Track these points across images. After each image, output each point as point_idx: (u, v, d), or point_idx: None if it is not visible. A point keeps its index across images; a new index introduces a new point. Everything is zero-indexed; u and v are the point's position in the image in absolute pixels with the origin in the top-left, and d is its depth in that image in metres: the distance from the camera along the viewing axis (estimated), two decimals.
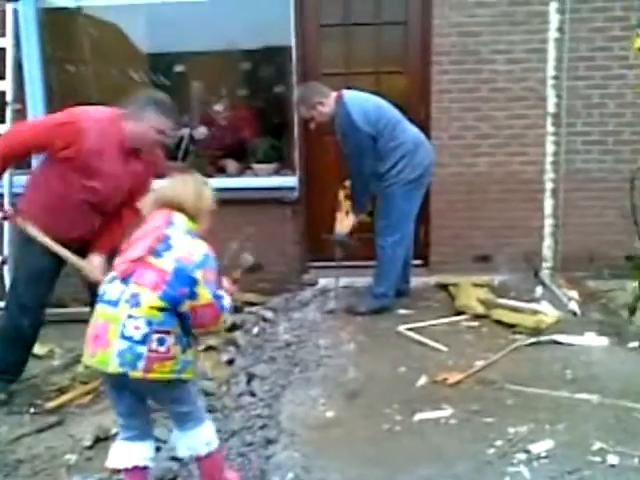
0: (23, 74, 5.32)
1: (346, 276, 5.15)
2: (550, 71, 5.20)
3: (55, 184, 3.44)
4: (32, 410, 3.65)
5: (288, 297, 5.25)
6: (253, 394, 3.60)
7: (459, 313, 4.64)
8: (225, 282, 2.68)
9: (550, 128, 5.28)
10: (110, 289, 2.39)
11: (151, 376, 2.32)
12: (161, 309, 2.32)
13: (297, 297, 5.20)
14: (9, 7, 4.69)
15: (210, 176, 5.48)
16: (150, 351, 2.30)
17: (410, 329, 4.34)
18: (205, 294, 2.36)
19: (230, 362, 4.09)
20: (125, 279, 2.37)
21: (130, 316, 2.31)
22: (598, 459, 2.83)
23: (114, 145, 3.41)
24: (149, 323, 2.30)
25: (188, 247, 2.40)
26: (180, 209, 2.50)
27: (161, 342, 2.32)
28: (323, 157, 5.47)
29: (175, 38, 5.81)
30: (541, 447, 2.94)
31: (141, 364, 2.30)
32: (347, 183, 4.81)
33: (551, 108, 5.25)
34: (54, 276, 3.65)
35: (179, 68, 6.04)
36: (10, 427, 3.48)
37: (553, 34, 5.14)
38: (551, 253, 5.44)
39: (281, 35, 5.32)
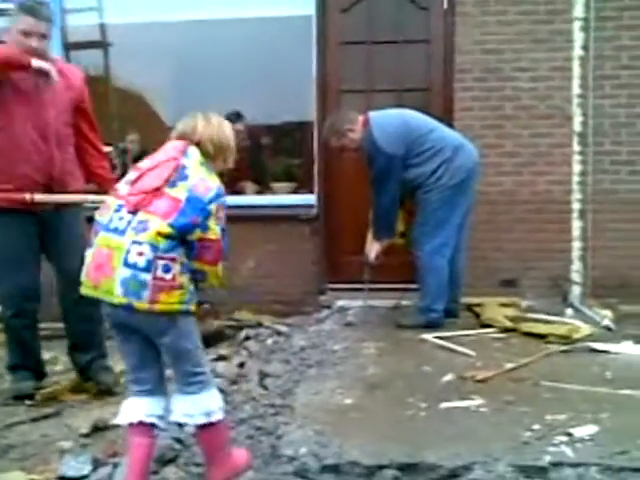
0: None
1: (371, 299, 4.91)
2: (575, 89, 5.11)
3: None
4: (28, 402, 3.42)
5: (304, 318, 5.01)
6: (265, 388, 3.34)
7: (485, 328, 4.36)
8: None
9: (576, 147, 5.14)
10: (116, 218, 2.22)
11: (157, 307, 2.15)
12: (167, 236, 2.15)
13: (313, 316, 4.96)
14: None
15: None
16: (155, 279, 2.14)
17: (435, 337, 4.06)
18: (215, 229, 2.24)
19: (241, 365, 3.84)
20: (136, 210, 2.21)
21: (134, 242, 2.15)
22: None
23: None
24: (154, 249, 2.14)
25: (204, 179, 2.28)
26: (197, 142, 2.37)
27: (166, 269, 2.15)
28: (342, 175, 5.34)
29: None
30: (584, 431, 2.64)
31: (146, 293, 2.13)
32: None
33: (577, 127, 5.12)
34: (33, 262, 3.52)
35: None
36: (4, 416, 3.27)
37: (577, 52, 5.08)
38: (580, 278, 5.18)
39: (303, 54, 5.31)
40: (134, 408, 2.34)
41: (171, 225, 2.15)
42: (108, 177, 3.75)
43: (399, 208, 4.52)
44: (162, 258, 2.14)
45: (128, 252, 2.14)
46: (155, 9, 5.51)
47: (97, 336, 3.66)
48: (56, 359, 4.21)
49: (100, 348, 3.68)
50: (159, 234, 2.14)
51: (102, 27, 5.74)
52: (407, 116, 4.49)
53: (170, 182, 2.23)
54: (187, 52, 5.61)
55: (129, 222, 2.19)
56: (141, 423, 2.31)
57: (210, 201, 2.22)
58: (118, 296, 2.15)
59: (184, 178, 2.25)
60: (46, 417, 3.25)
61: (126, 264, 2.14)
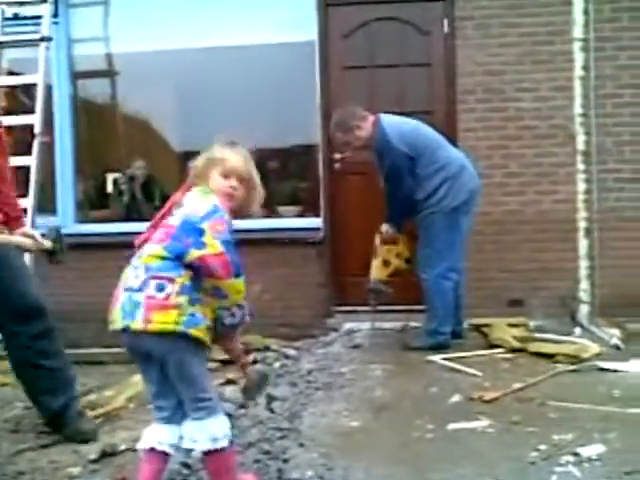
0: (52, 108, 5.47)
1: (377, 321, 4.92)
2: (577, 109, 5.14)
3: None
4: (37, 430, 3.43)
5: (312, 342, 5.02)
6: (272, 411, 3.34)
7: (493, 348, 4.36)
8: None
9: (580, 166, 5.16)
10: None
11: (151, 327, 2.16)
12: (161, 257, 2.20)
13: (320, 339, 4.96)
14: (42, 46, 4.83)
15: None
16: (147, 297, 2.16)
17: (443, 358, 4.06)
18: (214, 243, 2.18)
19: None
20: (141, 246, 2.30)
21: (134, 267, 2.23)
22: None
23: None
24: (147, 269, 2.19)
25: (196, 203, 2.28)
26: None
27: (160, 288, 2.16)
28: (348, 198, 5.37)
29: None
30: (591, 451, 2.63)
31: (139, 312, 2.16)
32: (383, 228, 4.63)
33: (581, 145, 5.15)
34: None
35: None
36: (12, 442, 3.26)
37: (578, 72, 5.12)
38: (588, 296, 5.17)
39: (306, 79, 5.38)
40: (149, 434, 2.37)
41: (164, 248, 2.20)
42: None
43: (414, 203, 4.44)
44: (156, 277, 2.17)
45: (128, 278, 2.21)
46: (160, 38, 5.62)
47: (66, 375, 3.38)
48: None
49: (72, 389, 3.37)
50: (151, 255, 2.20)
51: (109, 56, 5.84)
52: (421, 125, 4.54)
53: (170, 213, 2.31)
54: (192, 79, 5.69)
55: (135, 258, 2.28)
56: (153, 450, 2.33)
57: (202, 219, 2.20)
58: (118, 321, 2.20)
59: (180, 207, 2.30)
60: (55, 443, 3.25)
61: (125, 289, 2.21)
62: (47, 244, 3.22)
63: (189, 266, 2.21)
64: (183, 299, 2.18)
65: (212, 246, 2.17)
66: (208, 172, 2.37)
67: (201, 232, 2.18)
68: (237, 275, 2.23)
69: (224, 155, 2.39)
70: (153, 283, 2.17)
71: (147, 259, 2.20)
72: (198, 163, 2.41)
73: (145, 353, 2.28)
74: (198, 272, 2.22)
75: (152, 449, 2.34)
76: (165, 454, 2.35)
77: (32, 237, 3.19)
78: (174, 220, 2.26)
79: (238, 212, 2.40)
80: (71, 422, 3.27)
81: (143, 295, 2.16)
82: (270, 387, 3.75)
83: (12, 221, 3.22)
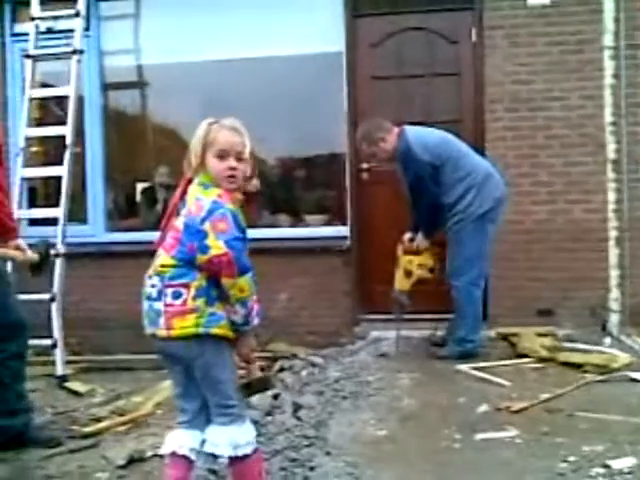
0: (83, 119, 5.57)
1: (404, 329, 4.89)
2: (608, 117, 5.08)
3: None
4: (67, 435, 3.47)
5: (338, 350, 5.01)
6: (299, 419, 3.34)
7: (521, 358, 4.31)
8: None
9: (611, 175, 5.09)
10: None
11: (173, 333, 2.22)
12: (174, 265, 2.24)
13: (347, 347, 4.95)
14: (74, 58, 4.92)
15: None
16: (166, 305, 2.22)
17: (471, 368, 4.03)
18: (217, 245, 2.15)
19: (276, 397, 3.85)
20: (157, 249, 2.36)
21: (148, 276, 2.30)
22: None
23: None
24: (161, 279, 2.24)
25: (199, 198, 2.23)
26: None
27: (176, 296, 2.21)
28: (374, 207, 5.38)
29: None
30: (623, 463, 2.59)
31: (161, 320, 2.23)
32: (405, 237, 4.64)
33: (611, 154, 5.09)
34: None
35: None
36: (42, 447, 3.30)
37: (608, 80, 5.06)
38: (619, 306, 5.09)
39: (334, 89, 5.40)
40: (173, 438, 2.39)
41: (173, 257, 2.24)
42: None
43: (441, 210, 4.44)
44: (171, 286, 2.22)
45: (146, 287, 2.29)
46: (188, 49, 5.66)
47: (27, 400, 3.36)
48: (94, 391, 4.30)
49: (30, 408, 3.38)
50: (162, 266, 2.25)
51: (138, 68, 5.92)
52: (447, 135, 4.56)
53: (177, 212, 2.33)
54: (219, 90, 5.71)
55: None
56: (174, 454, 2.35)
57: (203, 220, 2.18)
58: (147, 327, 2.29)
59: (184, 205, 2.30)
60: (84, 449, 3.29)
61: (145, 298, 2.29)
62: (34, 257, 3.27)
63: (202, 267, 2.23)
64: (200, 302, 2.21)
65: (216, 247, 2.15)
66: (202, 158, 2.26)
67: (204, 235, 2.17)
68: (243, 273, 2.19)
69: (213, 134, 2.26)
70: (169, 291, 2.22)
71: (160, 269, 2.25)
72: (190, 152, 2.29)
73: (173, 356, 2.33)
74: (208, 271, 2.22)
75: (173, 453, 2.36)
76: (188, 459, 2.37)
77: (23, 250, 3.25)
78: (180, 222, 2.27)
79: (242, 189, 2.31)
80: (36, 437, 3.29)
81: (162, 304, 2.23)
82: (297, 395, 3.79)
83: (10, 232, 3.24)
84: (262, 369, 4.18)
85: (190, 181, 2.33)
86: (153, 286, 2.26)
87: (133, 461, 3.10)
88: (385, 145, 4.47)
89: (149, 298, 2.27)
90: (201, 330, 2.21)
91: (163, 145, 6.22)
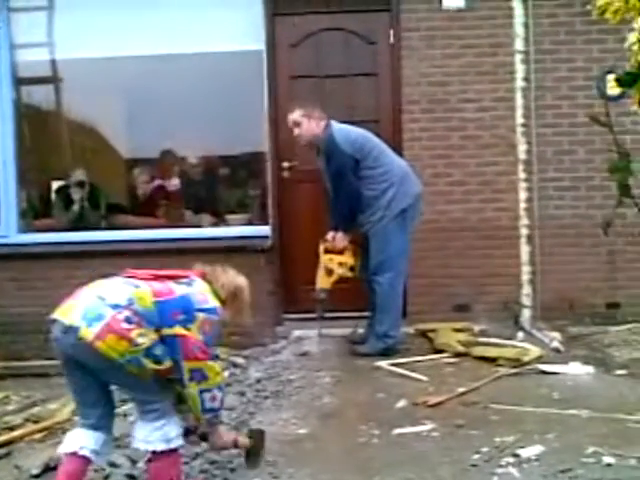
0: None
1: (325, 328, 4.94)
2: (519, 119, 5.29)
3: None
4: None
5: (261, 350, 5.02)
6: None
7: (439, 353, 4.44)
8: None
9: (522, 175, 5.30)
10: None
11: (98, 344, 2.20)
12: (149, 308, 2.28)
13: (270, 347, 4.97)
14: None
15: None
16: (113, 318, 2.22)
17: (390, 364, 4.12)
18: (196, 334, 2.33)
19: None
20: (133, 277, 2.41)
21: (121, 283, 2.34)
22: (592, 460, 2.61)
23: None
24: (130, 300, 2.27)
25: (205, 294, 2.43)
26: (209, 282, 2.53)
27: (128, 320, 2.24)
28: (296, 205, 5.41)
29: None
30: (531, 452, 2.72)
31: (97, 325, 2.20)
32: (328, 236, 4.67)
33: (522, 155, 5.29)
34: None
35: None
36: None
37: (519, 83, 5.27)
38: (530, 301, 5.31)
39: (254, 88, 5.39)
40: (72, 438, 2.39)
41: (156, 303, 2.29)
42: None
43: (360, 204, 4.51)
44: (132, 312, 2.25)
45: (107, 289, 2.31)
46: (107, 45, 5.53)
47: None
48: (8, 398, 4.17)
49: None
50: (143, 296, 2.29)
51: (53, 62, 5.72)
52: (368, 132, 4.66)
53: (176, 280, 2.41)
54: (140, 87, 5.64)
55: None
56: (74, 454, 2.34)
57: (201, 310, 2.35)
58: (72, 318, 2.23)
59: (189, 284, 2.42)
60: None
61: (98, 296, 2.27)
62: None
63: (162, 341, 2.28)
64: (144, 340, 2.25)
65: (195, 334, 2.32)
66: (223, 290, 2.55)
67: (193, 318, 2.32)
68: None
69: (242, 293, 2.67)
70: (126, 312, 2.24)
71: (139, 294, 2.29)
72: (220, 282, 2.57)
73: (78, 362, 2.29)
74: (171, 347, 2.31)
75: (74, 453, 2.35)
76: (86, 459, 2.37)
77: None
78: (178, 289, 2.37)
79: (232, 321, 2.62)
80: None
81: (111, 313, 2.22)
82: None
83: None
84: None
85: (203, 276, 2.56)
86: (118, 293, 2.28)
87: (49, 469, 3.02)
88: (312, 126, 4.55)
89: (103, 299, 2.26)
90: (120, 360, 2.23)
91: (79, 143, 6.06)
